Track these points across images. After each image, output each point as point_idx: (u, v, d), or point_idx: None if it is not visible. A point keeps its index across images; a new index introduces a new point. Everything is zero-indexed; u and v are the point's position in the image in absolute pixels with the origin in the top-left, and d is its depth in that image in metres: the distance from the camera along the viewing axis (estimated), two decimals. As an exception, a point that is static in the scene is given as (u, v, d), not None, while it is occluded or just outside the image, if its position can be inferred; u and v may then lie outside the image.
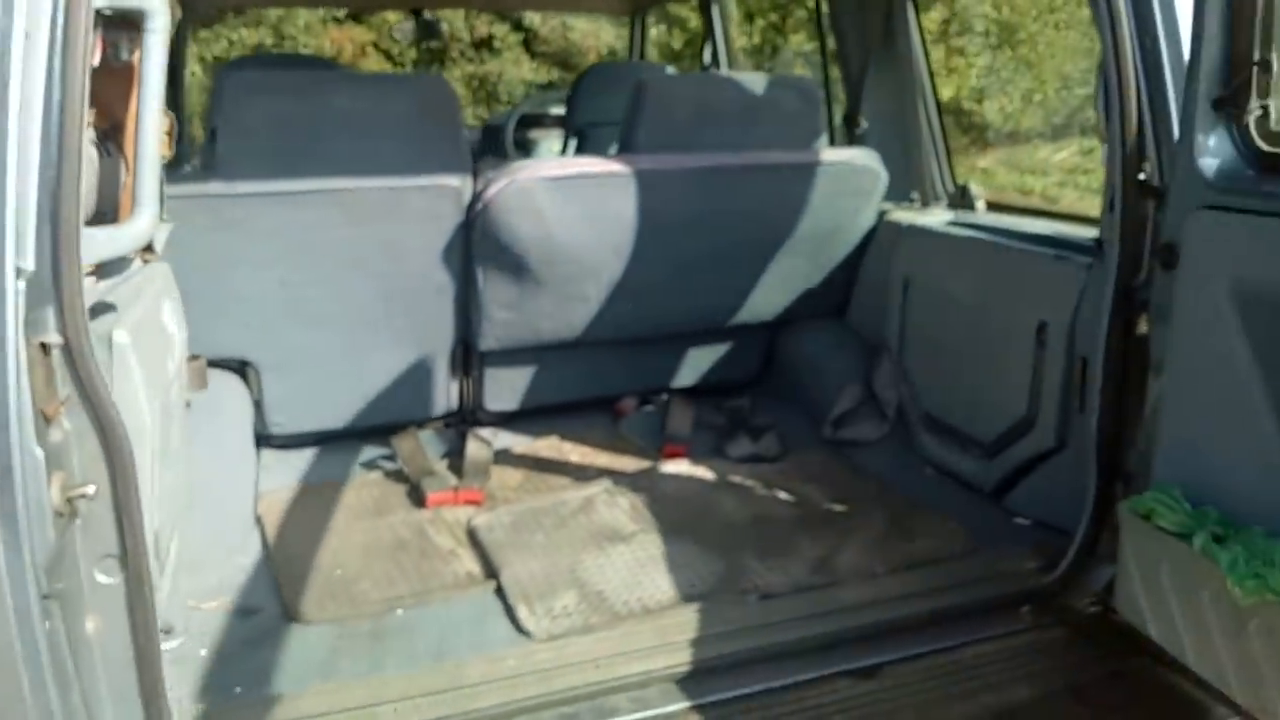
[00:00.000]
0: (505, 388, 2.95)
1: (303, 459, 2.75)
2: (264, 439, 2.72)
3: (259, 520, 2.40)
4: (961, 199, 3.06)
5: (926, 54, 3.15)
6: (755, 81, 2.93)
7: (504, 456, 2.83)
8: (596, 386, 3.13)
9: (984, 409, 2.57)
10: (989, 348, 2.52)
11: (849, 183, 2.91)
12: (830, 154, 2.89)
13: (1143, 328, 1.98)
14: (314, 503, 2.51)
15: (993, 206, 3.00)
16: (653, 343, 3.07)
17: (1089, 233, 2.44)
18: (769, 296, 3.04)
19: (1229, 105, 1.68)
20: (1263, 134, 1.67)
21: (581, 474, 2.76)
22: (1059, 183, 8.20)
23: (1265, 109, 1.66)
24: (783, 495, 2.62)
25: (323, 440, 2.81)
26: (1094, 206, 2.82)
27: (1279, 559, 1.42)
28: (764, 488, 2.66)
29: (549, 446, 2.93)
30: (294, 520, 2.42)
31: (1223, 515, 1.62)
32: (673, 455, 2.85)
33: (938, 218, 2.98)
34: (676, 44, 9.65)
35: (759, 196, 2.83)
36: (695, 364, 3.21)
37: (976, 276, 2.58)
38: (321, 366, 2.67)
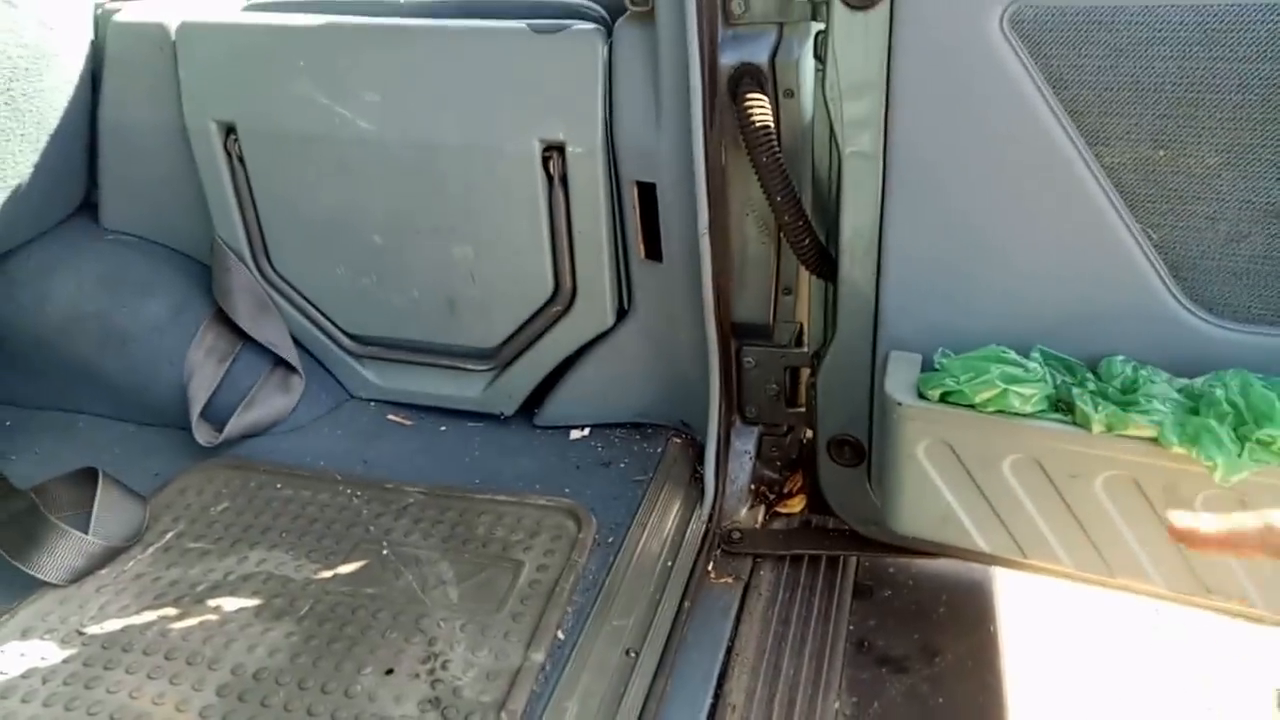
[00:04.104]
0: None
1: None
2: None
3: None
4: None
5: None
6: None
7: None
8: None
9: (473, 302, 1.61)
10: (452, 205, 1.52)
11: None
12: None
13: (758, 115, 1.24)
14: None
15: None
16: None
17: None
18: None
19: None
20: None
21: None
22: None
23: None
24: (218, 614, 1.34)
25: None
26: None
27: (1254, 406, 0.95)
28: (176, 612, 1.33)
29: None
30: None
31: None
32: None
33: (218, 5, 1.68)
34: None
35: None
36: None
37: (386, 89, 1.47)
38: None
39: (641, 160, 1.39)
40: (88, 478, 1.52)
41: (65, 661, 1.26)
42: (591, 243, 1.48)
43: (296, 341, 1.74)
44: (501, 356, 1.65)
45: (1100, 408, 1.01)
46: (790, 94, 1.27)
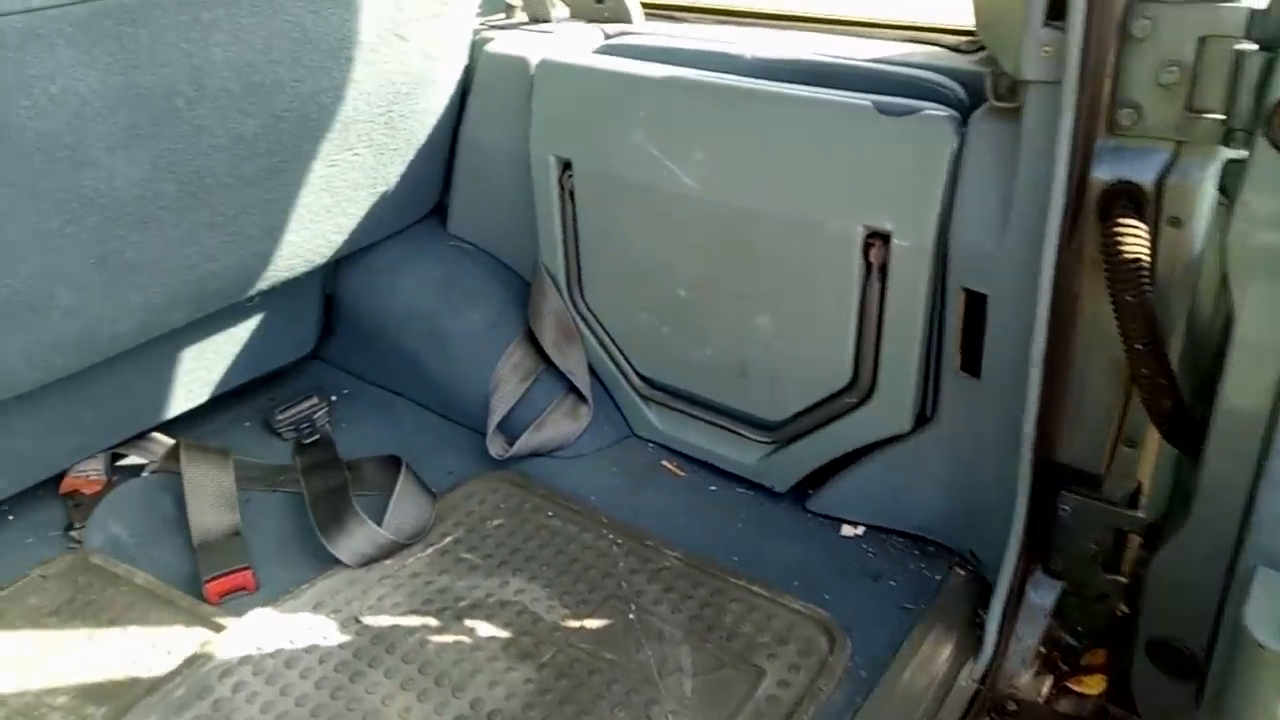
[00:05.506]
0: None
1: None
2: None
3: None
4: (597, 0, 1.83)
5: None
6: None
7: None
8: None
9: (764, 372, 1.54)
10: (761, 274, 1.45)
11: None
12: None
13: (1130, 245, 1.03)
14: None
15: (657, 11, 1.82)
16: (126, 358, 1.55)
17: (897, 51, 1.42)
18: (319, 216, 1.63)
19: None
20: None
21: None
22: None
23: None
24: (471, 636, 1.39)
25: None
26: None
27: None
28: (436, 624, 1.41)
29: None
30: None
31: None
32: (230, 591, 1.48)
33: (579, 43, 1.73)
34: None
35: (251, 45, 1.35)
36: (198, 370, 1.73)
37: (716, 148, 1.43)
38: None
39: (976, 267, 1.22)
40: (393, 465, 1.67)
41: (341, 646, 1.38)
42: (901, 341, 1.34)
43: (592, 371, 1.78)
44: (784, 432, 1.56)
45: None
46: (1178, 223, 1.04)
